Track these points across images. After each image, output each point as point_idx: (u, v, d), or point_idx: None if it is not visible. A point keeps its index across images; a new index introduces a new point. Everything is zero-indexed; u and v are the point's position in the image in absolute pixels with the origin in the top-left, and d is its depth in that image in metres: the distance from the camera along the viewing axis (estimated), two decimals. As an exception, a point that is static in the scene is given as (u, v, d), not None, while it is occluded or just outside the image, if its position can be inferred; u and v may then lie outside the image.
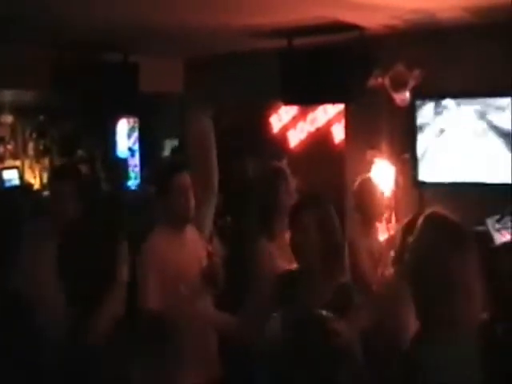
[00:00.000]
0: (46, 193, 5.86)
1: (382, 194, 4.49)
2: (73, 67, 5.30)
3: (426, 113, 5.00)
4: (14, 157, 8.82)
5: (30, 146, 8.97)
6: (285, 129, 6.68)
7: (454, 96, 4.85)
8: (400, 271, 2.56)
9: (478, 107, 4.75)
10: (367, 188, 4.32)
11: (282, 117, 6.71)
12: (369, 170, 4.98)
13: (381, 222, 4.54)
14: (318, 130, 6.47)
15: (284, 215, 3.18)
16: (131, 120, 8.70)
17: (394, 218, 4.93)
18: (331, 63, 4.94)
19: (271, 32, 4.88)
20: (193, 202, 3.23)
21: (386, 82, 4.92)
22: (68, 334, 1.98)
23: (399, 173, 5.07)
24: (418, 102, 4.99)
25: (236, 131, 6.38)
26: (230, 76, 6.02)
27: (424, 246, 1.89)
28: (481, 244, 2.02)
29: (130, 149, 8.77)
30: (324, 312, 1.63)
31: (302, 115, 6.54)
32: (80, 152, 8.59)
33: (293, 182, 3.73)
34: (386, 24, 4.65)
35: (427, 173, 5.04)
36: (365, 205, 4.25)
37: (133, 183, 8.18)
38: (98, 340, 1.81)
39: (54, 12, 4.08)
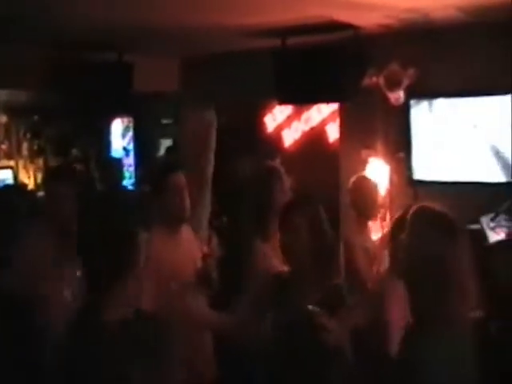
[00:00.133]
0: (40, 193, 5.84)
1: (377, 191, 4.49)
2: (67, 67, 5.30)
3: (420, 112, 5.01)
4: (8, 157, 8.79)
5: (25, 146, 8.94)
6: (279, 128, 6.68)
7: (449, 95, 4.86)
8: (394, 269, 2.56)
9: (472, 106, 4.76)
10: (362, 185, 4.33)
11: (276, 116, 6.72)
12: (363, 169, 4.99)
13: (376, 219, 4.55)
14: (312, 129, 6.48)
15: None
16: (125, 120, 8.70)
17: (388, 217, 4.94)
18: (325, 62, 4.94)
19: (266, 31, 4.88)
20: (188, 202, 3.22)
21: (381, 81, 4.93)
22: (82, 309, 1.98)
23: (394, 171, 5.08)
24: (412, 101, 5.00)
25: (231, 131, 6.38)
26: (225, 75, 6.01)
27: (416, 241, 1.89)
28: (475, 242, 2.03)
29: (125, 148, 8.76)
30: (311, 307, 1.63)
31: (296, 115, 6.55)
32: (74, 152, 8.58)
33: (287, 182, 3.73)
34: (380, 23, 4.65)
35: (422, 171, 5.05)
36: (360, 202, 4.26)
37: (127, 183, 8.17)
38: (113, 322, 1.79)
39: (49, 12, 4.07)
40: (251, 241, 3.47)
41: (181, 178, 3.24)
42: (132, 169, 8.55)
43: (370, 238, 4.27)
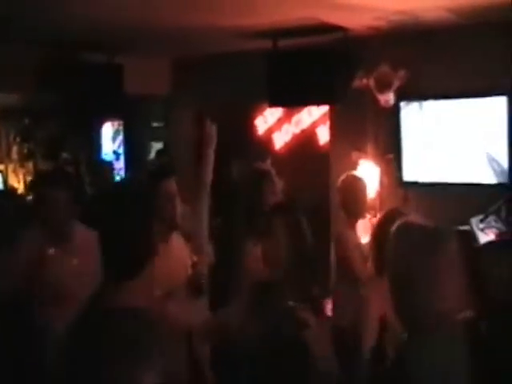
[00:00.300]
0: (30, 197, 5.82)
1: (366, 189, 4.46)
2: (56, 68, 5.27)
3: (410, 113, 5.02)
4: (-2, 161, 8.77)
5: (14, 149, 8.91)
6: (270, 131, 6.68)
7: (438, 97, 4.87)
8: (377, 270, 2.57)
9: (462, 108, 4.78)
10: (352, 184, 4.31)
11: (267, 119, 6.71)
12: (354, 171, 4.99)
13: (365, 217, 4.53)
14: (303, 131, 6.48)
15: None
16: (116, 123, 8.67)
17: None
18: (316, 65, 4.95)
19: (256, 33, 4.88)
20: (179, 209, 3.20)
21: (371, 82, 4.95)
22: (97, 295, 1.97)
23: (384, 173, 5.08)
24: (402, 103, 5.02)
25: (222, 133, 6.36)
26: (216, 77, 6.01)
27: (399, 259, 1.86)
28: (465, 243, 2.02)
29: (115, 152, 8.73)
30: (291, 302, 1.63)
31: (286, 117, 6.54)
32: (64, 155, 8.54)
33: (279, 184, 3.73)
34: (370, 25, 4.66)
35: (412, 173, 5.07)
36: (349, 200, 4.23)
37: (118, 186, 8.12)
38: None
39: (32, 13, 4.06)
40: (243, 243, 3.47)
41: (172, 184, 3.21)
42: (122, 172, 8.52)
43: (359, 236, 4.27)
